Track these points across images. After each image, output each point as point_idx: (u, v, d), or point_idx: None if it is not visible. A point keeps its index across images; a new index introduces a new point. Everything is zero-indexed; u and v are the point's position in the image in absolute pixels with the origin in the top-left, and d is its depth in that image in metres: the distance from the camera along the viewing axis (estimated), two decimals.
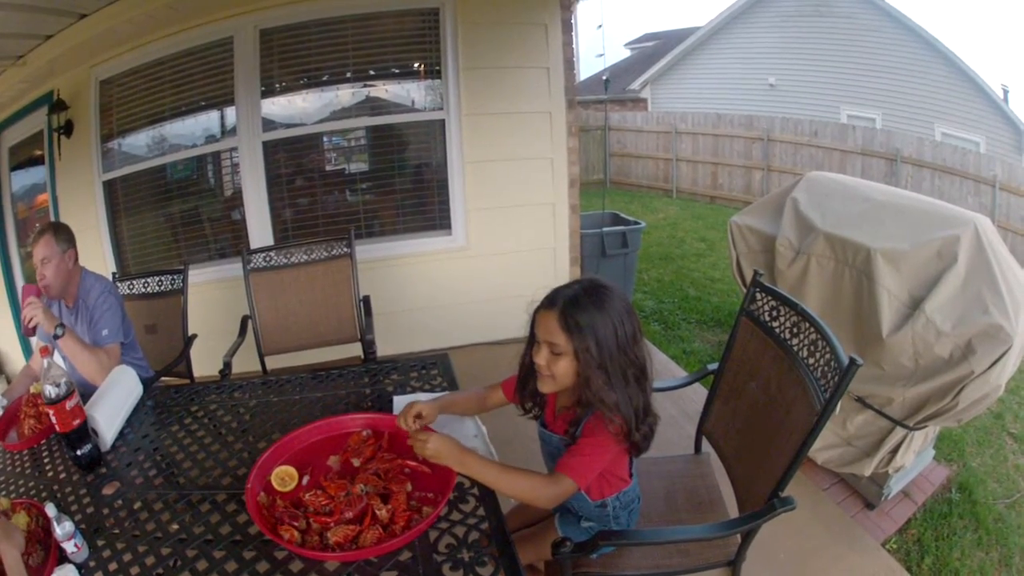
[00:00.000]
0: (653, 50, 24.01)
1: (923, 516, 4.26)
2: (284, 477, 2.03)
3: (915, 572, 3.80)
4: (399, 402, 2.57)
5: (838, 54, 17.76)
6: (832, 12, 17.72)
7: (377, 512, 1.86)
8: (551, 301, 2.03)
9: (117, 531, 1.93)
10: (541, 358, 2.02)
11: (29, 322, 2.76)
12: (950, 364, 3.46)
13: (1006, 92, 16.91)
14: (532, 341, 2.10)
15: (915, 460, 4.22)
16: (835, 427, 4.22)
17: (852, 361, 1.97)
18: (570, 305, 1.99)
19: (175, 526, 1.92)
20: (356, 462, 2.15)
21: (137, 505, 2.05)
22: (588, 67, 24.02)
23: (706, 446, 2.99)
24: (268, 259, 4.34)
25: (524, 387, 2.25)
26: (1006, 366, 3.35)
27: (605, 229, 6.77)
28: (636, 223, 6.96)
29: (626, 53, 27.25)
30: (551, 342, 1.99)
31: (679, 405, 4.18)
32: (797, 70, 18.71)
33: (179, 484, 2.16)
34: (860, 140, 14.00)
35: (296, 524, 1.81)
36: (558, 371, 2.00)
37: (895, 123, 16.08)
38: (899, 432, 3.86)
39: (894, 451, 3.94)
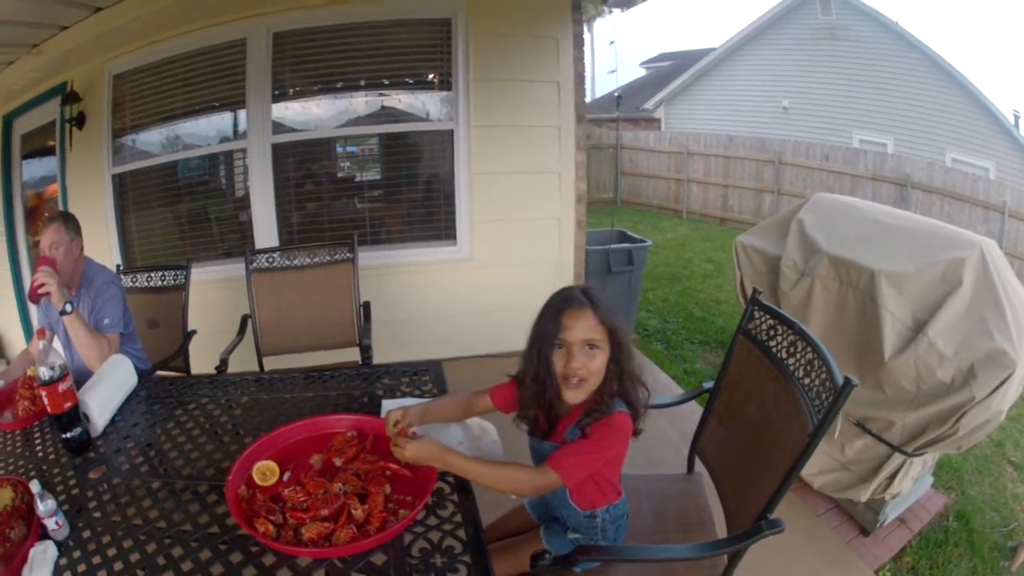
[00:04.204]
0: (668, 70, 24.04)
1: (919, 544, 4.21)
2: (265, 472, 2.06)
3: None
4: (387, 406, 2.57)
5: (851, 78, 17.72)
6: (846, 36, 17.72)
7: (353, 512, 1.87)
8: (576, 300, 2.02)
9: (99, 514, 1.96)
10: (578, 360, 1.97)
11: (40, 287, 2.80)
12: (952, 389, 3.44)
13: (1017, 118, 16.84)
14: (550, 350, 2.03)
15: (913, 487, 4.18)
16: (833, 451, 4.19)
17: (847, 381, 1.93)
18: (597, 300, 2.01)
19: (155, 512, 1.95)
20: (338, 462, 2.15)
21: (121, 490, 2.07)
22: (602, 85, 24.08)
23: (700, 466, 2.94)
24: (271, 260, 4.40)
25: (531, 402, 2.16)
26: (1008, 392, 3.32)
27: (611, 246, 6.74)
28: (643, 241, 6.93)
29: (641, 72, 27.29)
30: (589, 338, 1.97)
31: (676, 424, 4.17)
32: (810, 94, 18.67)
33: (163, 473, 2.19)
34: (871, 165, 13.99)
35: (272, 518, 1.83)
36: (595, 368, 1.98)
37: (906, 148, 16.05)
38: (897, 458, 3.82)
39: (891, 477, 3.90)
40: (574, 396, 2.01)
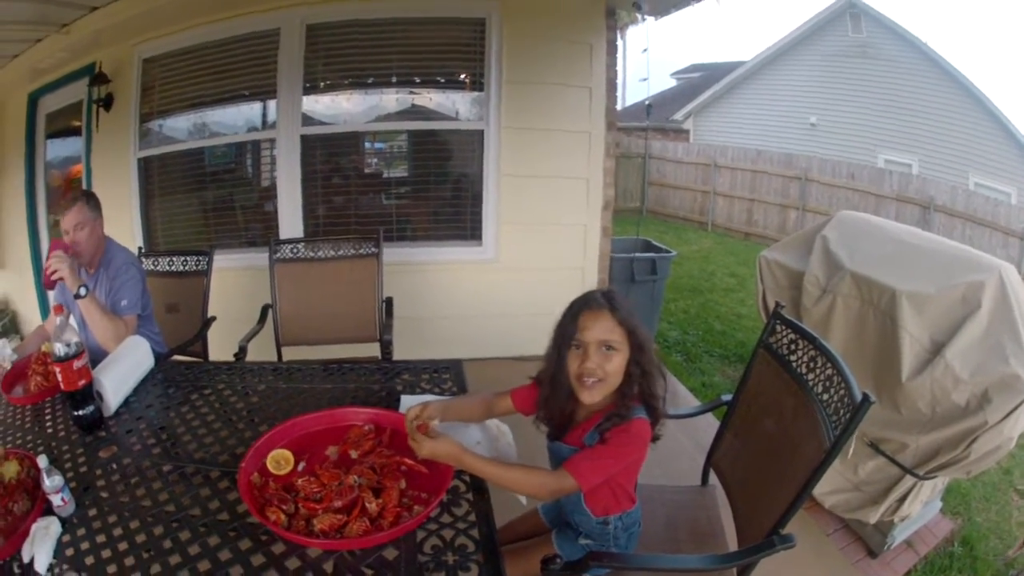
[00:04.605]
0: (698, 81, 24.09)
1: (923, 568, 4.20)
2: (280, 460, 2.05)
3: None
4: (406, 401, 2.57)
5: (879, 97, 17.73)
6: (876, 55, 17.70)
7: (367, 505, 1.86)
8: (594, 302, 2.05)
9: (106, 493, 1.95)
10: (592, 361, 2.00)
11: (52, 274, 2.80)
12: (966, 413, 3.43)
13: None
14: (566, 350, 2.07)
15: (921, 510, 4.16)
16: (846, 471, 4.17)
17: (866, 397, 1.92)
18: (616, 302, 2.04)
19: (164, 495, 1.95)
20: (354, 454, 2.15)
21: (131, 471, 2.08)
22: (633, 93, 24.05)
23: (714, 479, 2.93)
24: (295, 251, 4.39)
25: (550, 404, 2.20)
26: (1020, 418, 3.31)
27: (636, 255, 6.73)
28: (667, 251, 6.92)
29: (672, 82, 27.31)
30: (606, 339, 2.00)
31: (693, 436, 4.15)
32: (838, 111, 18.66)
33: (176, 456, 2.18)
34: (896, 185, 13.99)
35: (284, 507, 1.82)
36: (612, 369, 2.00)
37: (931, 170, 16.03)
38: (908, 480, 3.80)
39: (902, 500, 3.88)
40: (589, 396, 2.03)
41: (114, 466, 2.11)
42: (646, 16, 6.79)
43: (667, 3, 6.24)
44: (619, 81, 6.14)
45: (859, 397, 1.95)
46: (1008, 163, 15.78)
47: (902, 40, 17.24)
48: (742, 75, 21.17)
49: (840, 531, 4.31)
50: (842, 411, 2.04)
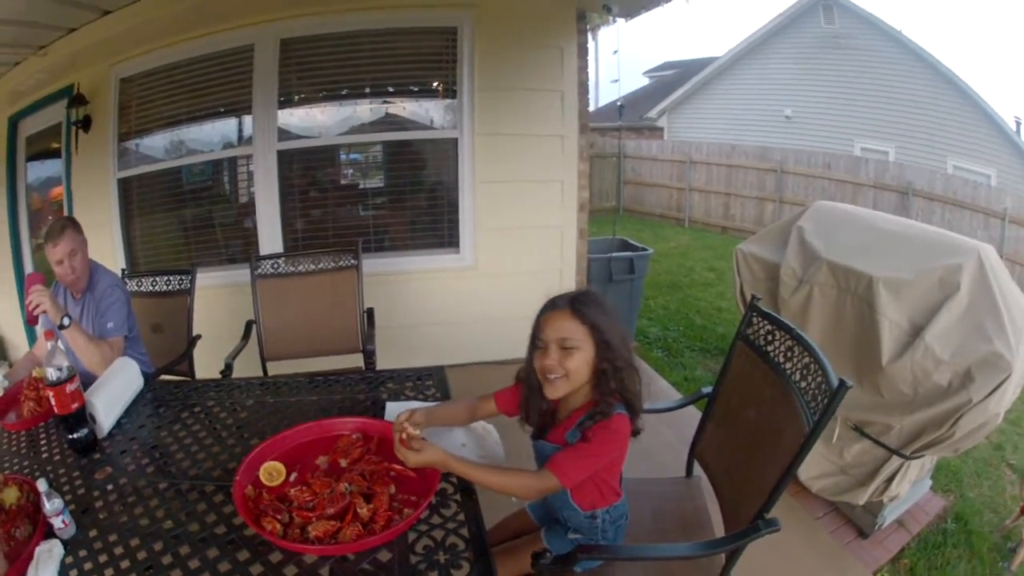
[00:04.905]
0: (671, 79, 24.12)
1: (917, 546, 4.24)
2: (272, 472, 2.09)
3: None
4: (392, 408, 2.62)
5: (854, 87, 17.88)
6: (850, 45, 17.86)
7: (359, 510, 1.91)
8: (555, 302, 2.13)
9: (104, 514, 1.98)
10: (551, 358, 2.07)
11: (34, 309, 2.83)
12: (949, 392, 3.48)
13: (1018, 124, 17.00)
14: (534, 350, 2.16)
15: (910, 490, 4.23)
16: (831, 455, 4.24)
17: (842, 383, 1.98)
18: (577, 301, 2.10)
19: (161, 512, 1.98)
20: (343, 463, 2.20)
21: (127, 490, 2.11)
22: (606, 94, 24.06)
23: (699, 470, 2.99)
24: (276, 266, 4.42)
25: (528, 398, 2.28)
26: (1004, 395, 3.36)
27: (613, 254, 6.79)
28: (644, 250, 6.98)
29: (645, 81, 27.33)
30: (563, 337, 2.07)
31: (676, 429, 4.17)
32: (813, 102, 18.80)
33: (170, 473, 2.22)
34: (872, 173, 14.10)
35: (279, 517, 1.86)
36: (572, 366, 2.06)
37: (908, 156, 16.20)
38: (895, 461, 3.87)
39: (889, 480, 3.94)
40: (552, 392, 2.11)
41: (111, 487, 2.14)
42: (617, 18, 6.84)
43: (637, 4, 6.32)
44: (592, 82, 6.20)
45: (836, 383, 2.00)
46: (987, 145, 16.01)
47: (876, 29, 17.40)
48: (715, 71, 21.25)
49: (829, 514, 4.35)
50: (820, 397, 2.10)
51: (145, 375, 3.01)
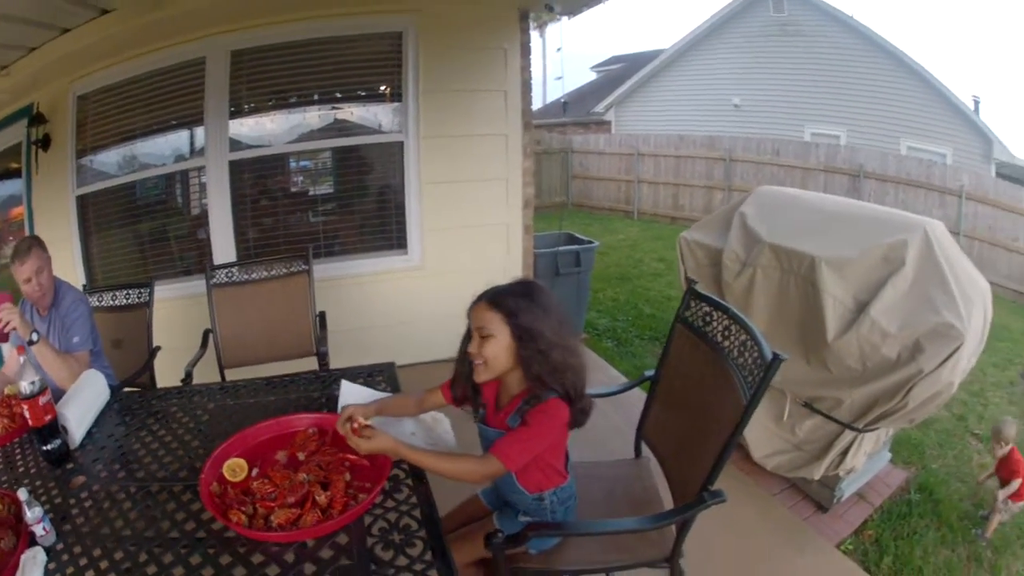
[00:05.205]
0: (619, 73, 24.17)
1: (880, 517, 4.33)
2: (235, 468, 2.20)
3: (874, 572, 3.87)
4: (345, 387, 2.77)
5: (803, 73, 17.95)
6: (799, 32, 17.92)
7: (317, 498, 2.02)
8: (482, 295, 2.24)
9: (82, 519, 2.07)
10: (473, 346, 2.19)
11: (4, 327, 2.86)
12: (898, 364, 3.59)
13: (977, 103, 17.24)
14: (467, 339, 2.27)
15: (867, 462, 4.31)
16: (784, 433, 4.34)
17: (775, 356, 2.11)
18: (497, 293, 2.21)
19: (134, 514, 2.08)
20: (301, 456, 2.31)
21: (101, 496, 2.20)
22: (553, 90, 24.11)
23: (647, 451, 3.05)
24: (230, 275, 4.47)
25: (459, 382, 2.40)
26: (957, 364, 3.46)
27: (559, 248, 6.88)
28: (590, 242, 7.07)
29: (593, 76, 27.25)
30: (481, 327, 2.18)
31: (626, 415, 4.11)
32: (762, 90, 18.89)
33: (140, 477, 2.31)
34: (823, 157, 14.20)
35: (244, 509, 1.97)
36: (489, 354, 2.17)
37: (860, 139, 16.31)
38: (848, 435, 3.95)
39: (844, 453, 4.02)
40: (477, 376, 2.23)
41: (85, 494, 2.22)
42: (561, 15, 6.93)
43: (579, 1, 6.50)
44: (539, 79, 6.30)
45: (769, 356, 2.13)
46: (942, 125, 16.19)
47: (826, 15, 17.53)
48: (661, 64, 21.27)
49: (786, 491, 4.46)
50: (756, 371, 2.21)
51: (111, 387, 3.06)
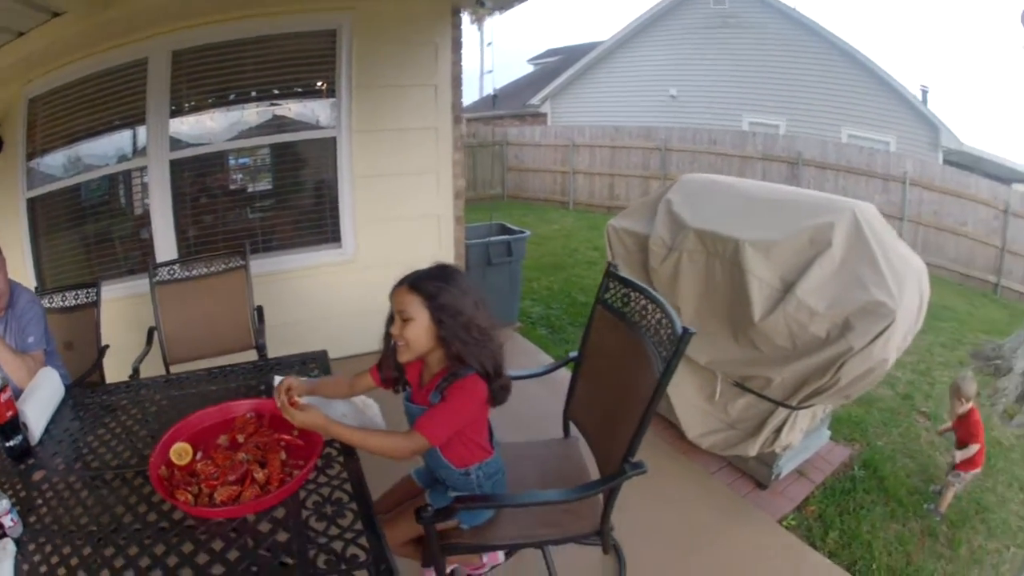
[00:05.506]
0: (555, 65, 24.24)
1: (823, 494, 4.45)
2: (181, 452, 2.34)
3: (820, 547, 3.93)
4: (278, 380, 2.80)
5: (742, 64, 18.19)
6: (740, 23, 18.16)
7: (255, 476, 2.19)
8: (402, 280, 2.35)
9: (46, 509, 2.19)
10: (395, 328, 2.31)
11: None
12: (827, 342, 3.70)
13: (925, 92, 17.51)
14: (390, 321, 2.38)
15: (805, 440, 4.41)
16: (717, 412, 4.46)
17: (686, 330, 2.23)
18: (417, 277, 2.33)
19: (91, 501, 2.21)
20: (241, 438, 2.46)
21: (61, 487, 2.32)
22: (490, 83, 24.11)
23: (576, 431, 3.19)
24: (172, 272, 4.56)
25: (385, 363, 2.54)
26: (889, 341, 3.56)
27: (491, 239, 7.01)
28: (521, 232, 7.20)
29: (531, 68, 27.46)
30: (402, 310, 2.29)
31: (556, 396, 3.85)
32: (699, 81, 19.11)
33: (95, 467, 2.45)
34: (760, 146, 14.48)
35: (190, 489, 2.13)
36: (410, 336, 2.28)
37: (801, 128, 16.57)
38: (781, 412, 4.05)
39: (778, 431, 4.11)
40: (400, 356, 2.37)
41: (46, 486, 2.33)
42: (493, 10, 7.04)
43: None
44: (477, 72, 6.45)
45: (680, 330, 2.25)
46: (886, 113, 16.50)
47: (768, 7, 17.69)
48: (598, 56, 21.40)
49: (724, 469, 4.60)
50: (671, 347, 2.29)
51: (64, 386, 3.16)
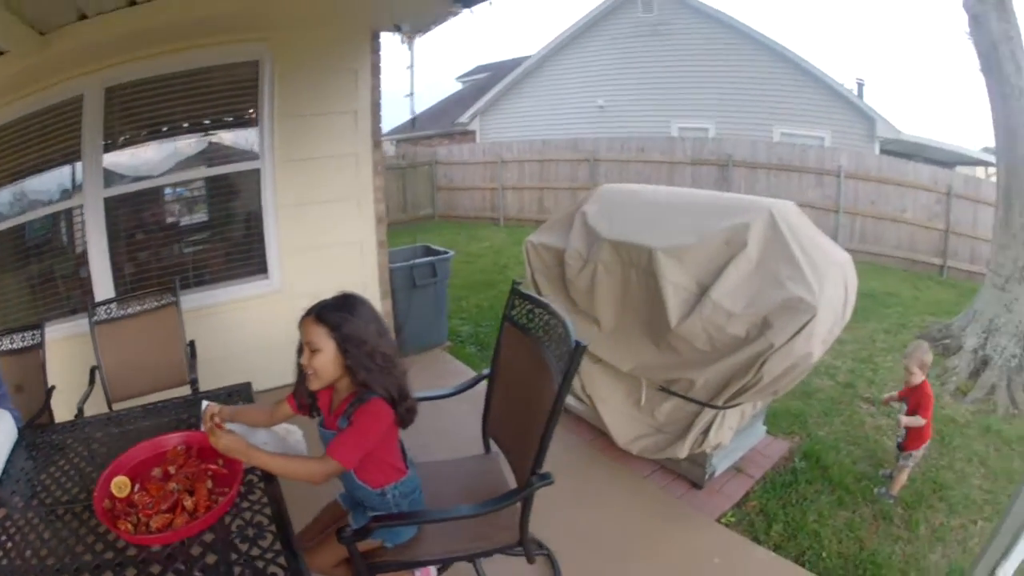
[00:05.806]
0: (484, 82, 24.29)
1: (763, 488, 4.55)
2: (120, 485, 2.47)
3: (763, 541, 4.04)
4: (205, 405, 2.88)
5: (669, 70, 18.44)
6: (670, 31, 18.35)
7: (185, 503, 2.34)
8: (308, 310, 2.48)
9: (10, 545, 2.32)
10: (304, 358, 2.43)
11: None
12: (747, 341, 3.83)
13: (861, 85, 18.37)
14: (300, 351, 2.51)
15: (738, 437, 4.49)
16: (644, 418, 4.56)
17: (578, 344, 2.35)
18: (322, 309, 2.46)
19: (48, 534, 2.36)
20: (172, 469, 2.59)
21: (21, 523, 2.46)
22: (422, 103, 24.04)
23: (497, 447, 3.27)
24: (109, 311, 4.67)
25: (299, 391, 2.65)
26: (812, 335, 3.66)
27: (415, 261, 7.31)
28: (445, 253, 7.48)
29: (459, 86, 27.52)
30: (309, 341, 2.42)
31: (480, 413, 3.79)
32: (627, 90, 19.32)
33: (49, 503, 2.60)
34: (690, 151, 14.70)
35: (130, 519, 2.28)
36: (318, 365, 2.41)
37: (731, 130, 16.92)
38: (708, 412, 4.16)
39: (706, 431, 4.20)
40: (311, 384, 2.51)
41: (9, 523, 2.46)
42: (408, 36, 7.14)
43: (426, 20, 6.77)
44: (406, 93, 6.58)
45: (573, 344, 2.38)
46: (819, 109, 16.86)
47: (696, 12, 17.92)
48: (525, 70, 21.50)
49: (657, 472, 4.68)
50: (568, 359, 2.41)
51: (17, 429, 3.22)
